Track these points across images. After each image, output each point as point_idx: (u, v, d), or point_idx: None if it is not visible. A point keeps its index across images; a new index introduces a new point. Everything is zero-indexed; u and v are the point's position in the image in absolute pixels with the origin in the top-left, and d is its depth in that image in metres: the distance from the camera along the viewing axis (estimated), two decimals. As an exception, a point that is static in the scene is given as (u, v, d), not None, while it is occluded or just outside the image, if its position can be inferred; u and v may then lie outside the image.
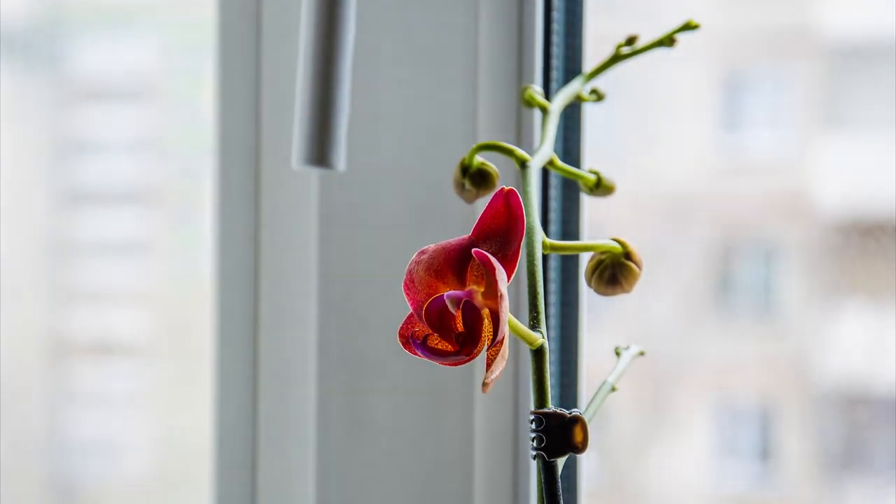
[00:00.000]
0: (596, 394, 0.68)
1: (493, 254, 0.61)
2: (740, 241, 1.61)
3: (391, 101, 0.86)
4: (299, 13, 0.77)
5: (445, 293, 0.60)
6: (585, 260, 0.70)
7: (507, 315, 0.60)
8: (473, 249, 0.60)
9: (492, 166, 0.72)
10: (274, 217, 0.91)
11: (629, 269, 0.68)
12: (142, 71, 1.59)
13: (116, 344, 1.64)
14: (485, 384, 0.60)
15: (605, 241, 0.69)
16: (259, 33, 0.91)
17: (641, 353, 0.72)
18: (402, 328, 0.62)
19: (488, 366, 0.61)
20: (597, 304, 0.73)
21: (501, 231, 0.62)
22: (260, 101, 0.91)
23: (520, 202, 0.61)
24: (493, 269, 0.59)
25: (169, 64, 1.57)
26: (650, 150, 1.59)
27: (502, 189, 0.62)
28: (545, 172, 0.85)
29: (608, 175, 0.74)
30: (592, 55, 0.86)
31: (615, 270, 0.69)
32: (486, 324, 0.60)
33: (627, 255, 0.69)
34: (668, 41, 0.75)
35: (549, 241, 0.67)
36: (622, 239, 0.69)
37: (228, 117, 0.92)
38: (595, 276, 0.69)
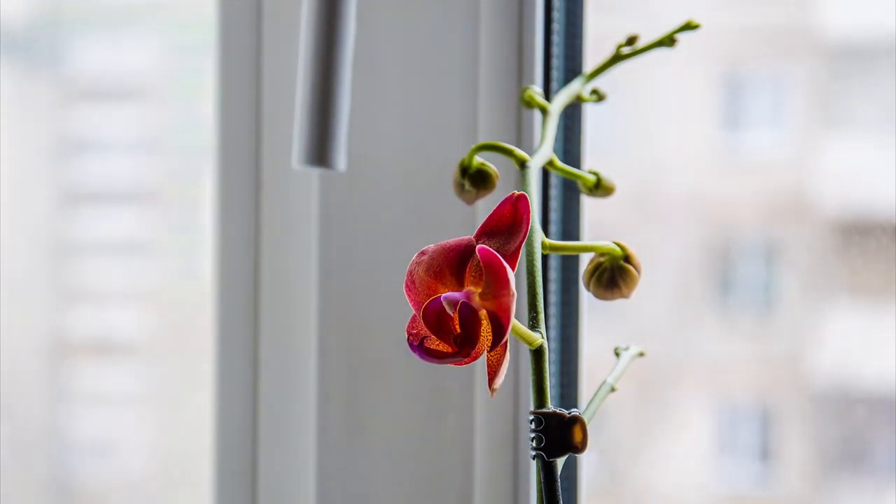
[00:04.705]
0: (595, 394, 0.68)
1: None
2: (740, 240, 1.61)
3: (391, 101, 0.86)
4: (299, 13, 0.77)
5: (443, 295, 0.60)
6: (586, 261, 0.70)
7: (512, 316, 0.59)
8: (478, 246, 0.60)
9: (491, 167, 0.72)
10: (274, 217, 0.91)
11: (628, 273, 0.68)
12: (142, 71, 1.59)
13: (116, 344, 1.64)
14: (492, 390, 0.60)
15: (605, 243, 0.69)
16: (259, 33, 0.91)
17: (641, 354, 0.72)
18: (408, 326, 0.62)
19: (491, 371, 0.60)
20: (596, 305, 0.72)
21: (504, 232, 0.62)
22: (260, 101, 0.91)
23: (528, 208, 0.61)
24: (501, 268, 0.59)
25: (169, 64, 1.57)
26: (649, 150, 1.59)
27: (513, 194, 0.62)
28: (545, 173, 0.85)
29: (607, 175, 0.74)
30: (592, 55, 0.86)
31: (614, 273, 0.68)
32: (485, 325, 0.60)
33: (627, 258, 0.68)
34: (668, 41, 0.75)
35: (548, 241, 0.66)
36: (622, 242, 0.69)
37: (228, 117, 0.92)
38: (594, 279, 0.69)
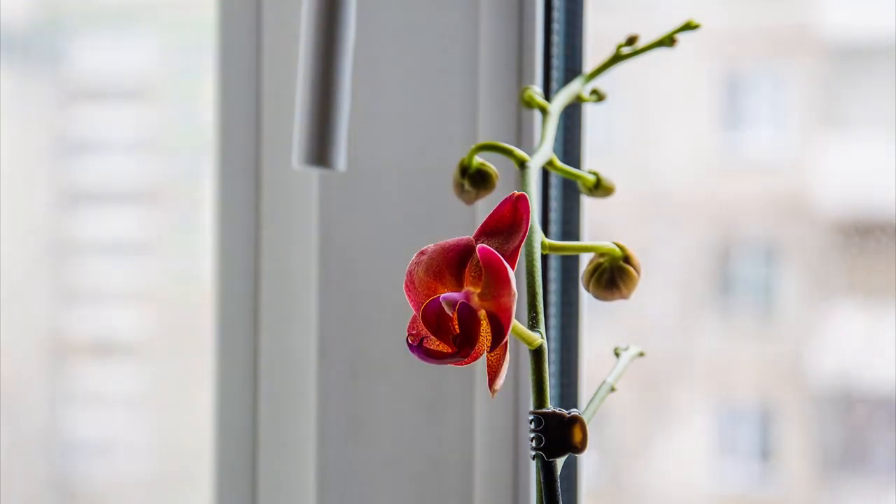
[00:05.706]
0: (595, 394, 0.68)
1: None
2: (740, 240, 1.61)
3: (391, 101, 0.86)
4: (299, 13, 0.77)
5: (441, 295, 0.60)
6: (586, 261, 0.70)
7: (512, 316, 0.59)
8: (479, 246, 0.60)
9: (491, 167, 0.72)
10: (274, 217, 0.91)
11: (628, 274, 0.68)
12: (142, 71, 1.59)
13: (116, 344, 1.64)
14: (493, 391, 0.60)
15: (605, 243, 0.69)
16: (259, 33, 0.91)
17: (641, 354, 0.72)
18: (408, 326, 0.62)
19: (492, 372, 0.60)
20: (597, 305, 0.72)
21: (503, 232, 0.62)
22: (260, 101, 0.91)
23: (528, 208, 0.61)
24: (502, 268, 0.59)
25: (169, 64, 1.57)
26: (649, 150, 1.59)
27: (513, 194, 0.62)
28: (545, 173, 0.85)
29: (607, 176, 0.74)
30: (592, 55, 0.86)
31: (614, 274, 0.68)
32: (484, 325, 0.60)
33: (626, 258, 0.68)
34: (668, 41, 0.75)
35: (548, 241, 0.66)
36: (621, 243, 0.69)
37: (228, 117, 0.92)
38: (593, 279, 0.69)
